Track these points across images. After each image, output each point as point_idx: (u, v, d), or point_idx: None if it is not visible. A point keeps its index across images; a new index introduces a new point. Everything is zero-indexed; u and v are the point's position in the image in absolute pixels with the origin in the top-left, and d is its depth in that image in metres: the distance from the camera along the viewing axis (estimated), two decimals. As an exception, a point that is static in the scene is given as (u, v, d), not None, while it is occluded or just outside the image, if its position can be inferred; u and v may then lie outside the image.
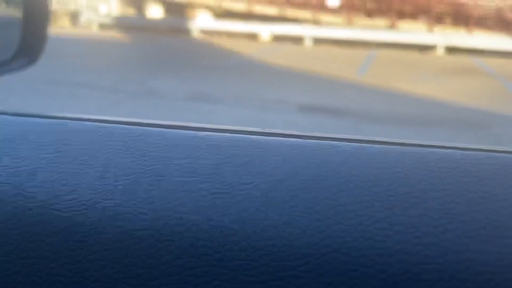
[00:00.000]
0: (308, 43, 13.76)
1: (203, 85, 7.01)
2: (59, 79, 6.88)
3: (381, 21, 13.83)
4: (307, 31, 13.80)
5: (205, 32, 15.12)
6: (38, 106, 5.16)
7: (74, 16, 17.65)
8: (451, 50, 12.91)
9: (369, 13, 14.13)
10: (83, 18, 16.92)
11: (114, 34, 14.69)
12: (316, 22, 14.31)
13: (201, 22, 15.23)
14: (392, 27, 13.58)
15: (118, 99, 5.83)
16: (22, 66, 0.72)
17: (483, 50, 12.34)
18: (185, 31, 15.47)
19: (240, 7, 15.51)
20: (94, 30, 16.08)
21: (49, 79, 6.54)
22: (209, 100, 6.02)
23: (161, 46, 12.20)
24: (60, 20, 17.89)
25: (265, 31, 14.57)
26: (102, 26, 16.36)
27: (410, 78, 8.64)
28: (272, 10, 14.99)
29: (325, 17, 14.34)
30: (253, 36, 15.29)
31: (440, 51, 12.76)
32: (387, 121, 5.36)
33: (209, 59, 10.27)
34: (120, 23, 16.25)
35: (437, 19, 13.61)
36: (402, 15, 13.86)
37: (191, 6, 16.51)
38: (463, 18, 13.47)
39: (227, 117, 5.18)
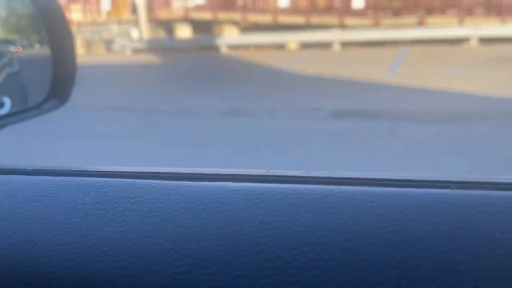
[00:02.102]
0: (336, 47, 13.68)
1: (235, 99, 7.10)
2: (99, 105, 7.15)
3: (409, 19, 13.56)
4: (335, 36, 13.72)
5: (233, 47, 15.33)
6: (82, 132, 5.38)
7: (108, 43, 18.35)
8: (484, 40, 12.48)
9: (396, 12, 13.89)
10: (116, 45, 17.56)
11: (146, 57, 15.15)
12: (342, 26, 14.21)
13: (228, 37, 15.46)
14: (421, 23, 13.29)
15: (156, 120, 5.99)
16: (53, 107, 0.75)
17: (519, 38, 11.85)
18: (214, 48, 15.74)
19: (266, 19, 15.64)
20: (128, 54, 16.65)
21: (89, 106, 6.83)
22: (243, 114, 6.08)
23: (191, 64, 12.46)
24: (95, 48, 18.64)
25: (292, 40, 14.60)
26: (135, 50, 16.91)
27: (443, 73, 8.41)
28: (297, 19, 15.02)
29: (351, 20, 14.22)
30: (280, 46, 15.36)
31: (473, 43, 12.36)
32: (424, 120, 5.24)
33: (239, 74, 10.39)
34: (151, 46, 16.75)
35: (467, 11, 13.21)
36: (430, 10, 13.54)
37: (218, 22, 16.80)
38: (494, 7, 13.01)
39: (261, 130, 5.21)
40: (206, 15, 16.54)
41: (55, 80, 0.71)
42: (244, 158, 4.19)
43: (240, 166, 3.90)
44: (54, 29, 0.74)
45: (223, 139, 4.88)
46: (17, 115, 0.72)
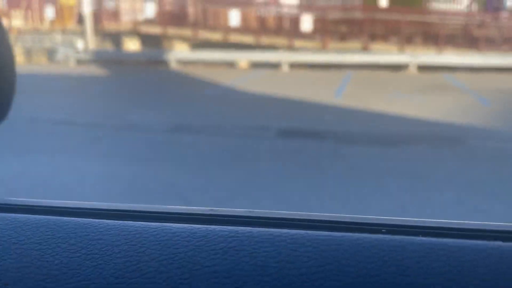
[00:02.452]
0: (285, 68, 14.00)
1: (182, 116, 7.02)
2: (39, 117, 6.80)
3: (354, 44, 14.20)
4: (283, 57, 14.06)
5: (182, 62, 15.24)
6: (20, 145, 5.07)
7: (50, 53, 17.60)
8: (423, 68, 13.30)
9: (342, 36, 14.51)
10: (59, 54, 16.89)
11: (91, 69, 14.67)
12: (291, 48, 14.61)
13: (178, 52, 15.38)
14: (365, 49, 13.95)
15: (99, 135, 5.78)
16: None
17: (454, 67, 12.76)
18: (163, 63, 15.56)
19: (217, 36, 15.75)
20: (71, 65, 16.04)
21: (29, 118, 6.46)
22: (190, 131, 6.02)
23: (138, 78, 12.22)
24: (36, 57, 17.81)
25: (242, 58, 14.78)
26: (80, 61, 16.34)
27: (385, 97, 8.84)
28: (248, 38, 15.26)
29: (299, 42, 14.65)
30: (231, 64, 15.48)
31: (412, 70, 13.13)
32: (366, 142, 5.44)
33: (187, 89, 10.32)
34: (97, 57, 16.27)
35: (407, 39, 14.06)
36: (374, 37, 14.28)
37: (168, 37, 16.68)
38: (432, 37, 13.95)
39: (208, 147, 5.17)
40: (156, 30, 16.37)
41: None
42: (189, 175, 4.13)
43: (183, 184, 3.83)
44: None
45: (168, 156, 4.78)
46: None
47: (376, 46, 14.07)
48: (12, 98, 0.68)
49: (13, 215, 0.45)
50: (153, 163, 4.50)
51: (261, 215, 0.44)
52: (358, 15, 14.61)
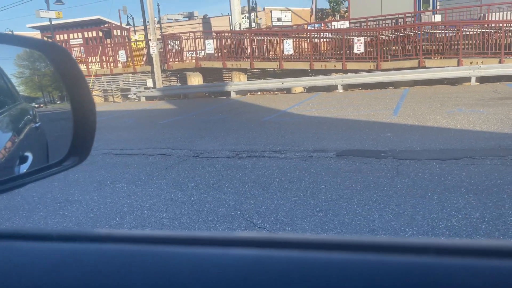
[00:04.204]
0: (339, 90, 13.87)
1: (243, 142, 7.15)
2: (111, 151, 7.24)
3: (408, 62, 13.79)
4: (337, 79, 13.95)
5: (241, 92, 15.62)
6: (105, 176, 5.42)
7: (124, 92, 18.82)
8: (483, 79, 12.58)
9: (396, 56, 14.15)
10: (131, 93, 18.01)
11: (159, 104, 15.47)
12: (344, 71, 14.49)
13: (236, 83, 15.79)
14: (420, 66, 13.49)
15: (170, 163, 6.03)
16: (73, 164, 0.75)
17: (516, 76, 11.95)
18: (223, 93, 16.07)
19: (272, 65, 16.03)
20: (142, 102, 17.03)
21: (105, 152, 6.93)
22: (250, 156, 6.10)
23: (201, 109, 12.67)
24: (111, 97, 19.11)
25: (297, 84, 14.86)
26: (149, 98, 17.31)
27: (445, 112, 8.44)
28: (301, 64, 15.37)
29: (352, 65, 14.50)
30: (287, 90, 15.62)
31: (472, 82, 12.47)
32: (427, 158, 5.21)
33: (247, 117, 10.53)
34: (165, 93, 17.15)
35: (465, 52, 13.42)
36: (429, 53, 13.79)
37: (227, 70, 17.25)
38: (491, 47, 13.21)
39: (267, 171, 5.21)
40: (216, 64, 17.00)
41: (75, 138, 0.72)
42: (252, 198, 4.17)
43: (248, 205, 3.87)
44: (72, 87, 0.76)
45: (230, 181, 4.87)
46: (38, 172, 0.73)
47: (432, 62, 13.56)
48: (91, 144, 0.74)
49: (92, 245, 0.45)
50: (217, 188, 4.60)
51: (322, 239, 0.41)
52: (411, 32, 14.23)
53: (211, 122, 10.09)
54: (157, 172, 5.61)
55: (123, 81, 18.79)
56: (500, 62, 12.80)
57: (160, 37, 19.13)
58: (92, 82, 18.88)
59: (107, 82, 19.04)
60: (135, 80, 18.60)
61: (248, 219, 3.66)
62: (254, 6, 22.35)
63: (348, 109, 9.96)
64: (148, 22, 18.33)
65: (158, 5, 28.18)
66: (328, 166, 5.20)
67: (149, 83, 18.10)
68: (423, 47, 13.75)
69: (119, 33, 22.87)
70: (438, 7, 17.92)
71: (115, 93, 19.11)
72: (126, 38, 22.64)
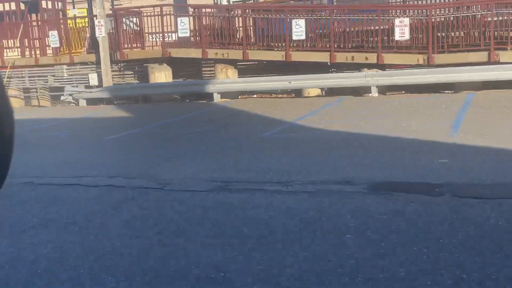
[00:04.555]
0: (373, 93, 13.98)
1: (228, 167, 7.17)
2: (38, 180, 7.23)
3: (473, 55, 13.94)
4: (370, 79, 14.05)
5: (229, 93, 15.65)
6: (22, 216, 5.38)
7: (54, 92, 18.85)
8: None
9: (455, 45, 14.31)
10: (65, 94, 18.03)
11: (105, 111, 15.52)
12: (379, 66, 14.62)
13: (223, 82, 15.81)
14: (491, 60, 13.64)
15: (121, 198, 6.03)
16: None
17: None
18: (203, 96, 16.11)
19: (274, 56, 16.15)
20: (81, 107, 17.07)
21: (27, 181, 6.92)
22: (243, 187, 6.11)
23: (170, 118, 12.70)
24: (36, 100, 19.14)
25: (312, 83, 14.97)
26: (91, 101, 17.34)
27: (528, 129, 8.52)
28: (317, 56, 15.52)
29: (391, 58, 14.63)
30: (296, 92, 15.72)
31: None
32: (498, 196, 5.23)
33: (238, 130, 10.55)
34: (114, 95, 17.17)
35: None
36: (503, 42, 13.94)
37: (208, 62, 17.32)
38: None
39: (271, 209, 5.21)
40: (192, 53, 17.08)
41: None
42: (243, 253, 4.17)
43: (237, 262, 3.84)
44: None
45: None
46: None
47: (509, 55, 13.72)
48: (10, 158, 0.74)
49: None
50: (190, 237, 4.60)
51: None
52: (478, 11, 14.44)
53: (184, 137, 10.10)
54: (101, 213, 5.60)
55: (53, 76, 18.82)
56: None
57: (111, 12, 19.32)
58: (7, 78, 18.91)
59: (29, 77, 19.09)
60: (71, 75, 18.66)
61: None
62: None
63: (386, 121, 10.03)
64: (93, -10, 18.56)
65: (108, -34, 28.60)
66: (357, 205, 5.22)
67: (93, 79, 18.15)
68: (496, 33, 13.94)
69: (50, 6, 23.06)
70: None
71: (42, 94, 19.14)
72: (61, 13, 22.84)
